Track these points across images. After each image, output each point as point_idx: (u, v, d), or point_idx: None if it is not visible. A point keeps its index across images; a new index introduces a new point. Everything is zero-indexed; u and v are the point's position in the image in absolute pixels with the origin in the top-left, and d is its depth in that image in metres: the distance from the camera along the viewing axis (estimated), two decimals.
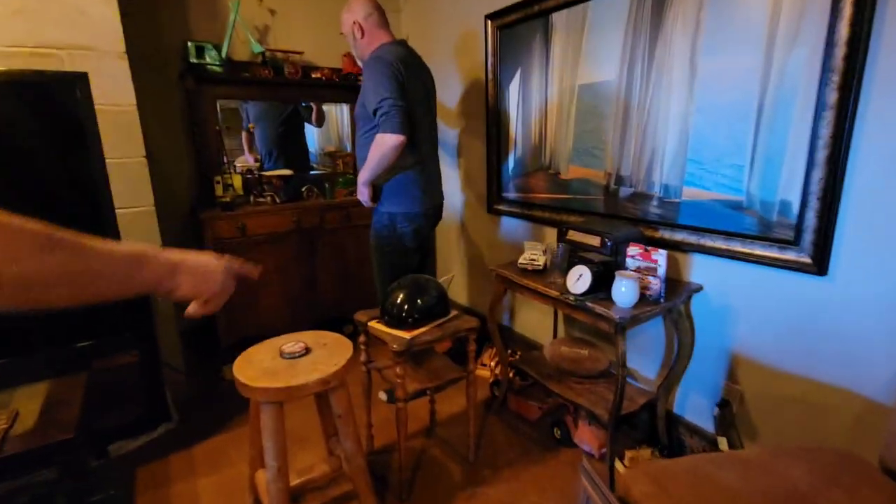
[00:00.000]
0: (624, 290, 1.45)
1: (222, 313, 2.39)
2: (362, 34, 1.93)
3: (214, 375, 2.40)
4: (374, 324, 1.61)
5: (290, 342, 1.46)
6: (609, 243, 1.56)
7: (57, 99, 1.51)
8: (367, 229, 2.82)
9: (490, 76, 2.46)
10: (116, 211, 1.90)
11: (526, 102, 2.30)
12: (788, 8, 1.33)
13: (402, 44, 1.97)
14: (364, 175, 1.90)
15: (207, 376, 2.40)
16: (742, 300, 1.56)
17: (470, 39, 2.60)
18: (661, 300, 1.51)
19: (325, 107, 3.06)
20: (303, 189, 2.65)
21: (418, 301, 1.59)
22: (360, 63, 2.05)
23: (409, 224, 1.99)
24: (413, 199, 1.97)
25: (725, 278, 1.59)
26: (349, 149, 3.12)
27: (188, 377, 2.20)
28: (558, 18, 2.04)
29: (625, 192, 1.87)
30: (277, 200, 2.53)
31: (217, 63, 2.43)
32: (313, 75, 2.79)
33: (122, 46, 1.85)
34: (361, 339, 1.72)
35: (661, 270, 1.49)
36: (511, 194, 2.50)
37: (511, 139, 2.43)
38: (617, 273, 1.48)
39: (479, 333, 1.66)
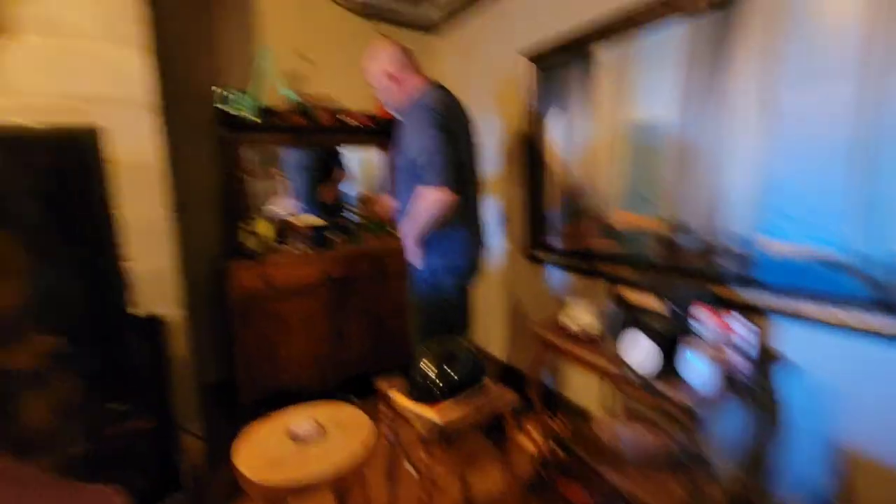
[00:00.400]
0: (696, 368, 1.19)
1: (243, 368, 2.26)
2: (395, 82, 1.83)
3: (233, 438, 2.24)
4: (398, 396, 1.41)
5: (302, 419, 1.28)
6: (673, 306, 1.32)
7: (65, 155, 1.46)
8: (399, 280, 2.69)
9: (530, 116, 2.31)
10: (135, 265, 1.84)
11: (569, 143, 2.12)
12: (885, 28, 1.10)
13: (441, 87, 1.85)
14: (412, 233, 1.74)
15: (225, 439, 2.24)
16: (849, 380, 1.26)
17: (507, 79, 2.48)
18: (745, 380, 1.23)
19: (358, 151, 3.00)
20: (333, 237, 2.54)
21: (447, 369, 1.38)
22: (393, 112, 1.94)
23: (453, 278, 1.82)
24: (458, 250, 1.81)
25: (823, 351, 1.29)
26: (384, 194, 3.02)
27: (205, 441, 2.05)
28: (603, 55, 1.88)
29: (687, 242, 1.62)
30: (306, 249, 2.43)
31: (249, 110, 2.41)
32: (346, 121, 2.74)
33: (150, 97, 1.83)
34: (383, 408, 1.52)
35: (745, 343, 1.22)
36: (553, 242, 2.28)
37: (553, 183, 2.24)
38: (685, 345, 1.22)
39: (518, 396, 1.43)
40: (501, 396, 1.40)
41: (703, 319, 1.28)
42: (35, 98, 1.65)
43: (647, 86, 1.72)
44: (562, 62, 2.08)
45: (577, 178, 2.09)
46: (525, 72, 2.29)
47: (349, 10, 2.78)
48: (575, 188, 2.10)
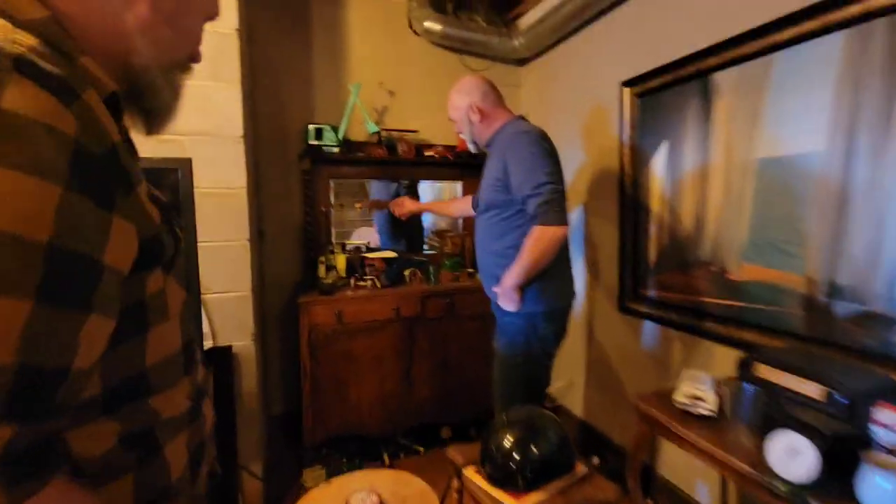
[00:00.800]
0: (883, 491, 0.87)
1: (310, 409, 2.17)
2: (480, 116, 1.71)
3: (295, 481, 2.14)
4: (474, 476, 1.20)
5: (363, 493, 1.11)
6: (843, 399, 1.00)
7: (161, 184, 1.47)
8: (472, 321, 2.51)
9: (626, 150, 2.07)
10: (211, 295, 1.83)
11: (675, 180, 1.84)
12: None
13: (525, 120, 1.73)
14: (516, 275, 1.54)
15: (287, 481, 2.15)
16: None
17: (600, 110, 2.27)
18: None
19: (438, 184, 2.92)
20: (406, 272, 2.43)
21: (534, 451, 1.15)
22: (475, 147, 1.81)
23: (551, 324, 1.62)
24: (557, 291, 1.63)
25: None
26: (461, 228, 2.89)
27: (264, 482, 1.96)
28: (724, 78, 1.62)
29: (845, 309, 1.28)
30: (378, 285, 2.33)
31: (334, 143, 2.41)
32: (427, 153, 2.67)
33: (240, 131, 1.85)
34: (455, 484, 1.32)
35: None
36: (652, 292, 1.98)
37: (653, 224, 1.96)
38: (867, 459, 0.90)
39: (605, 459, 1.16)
40: (600, 490, 1.14)
41: (889, 422, 0.95)
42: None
43: (784, 113, 1.43)
44: (668, 88, 1.84)
45: (685, 220, 1.80)
46: (619, 100, 2.07)
47: (435, 43, 2.74)
48: (682, 232, 1.81)
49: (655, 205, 1.95)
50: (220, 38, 1.78)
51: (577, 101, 2.45)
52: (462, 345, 2.44)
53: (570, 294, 1.71)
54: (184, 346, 0.54)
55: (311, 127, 2.38)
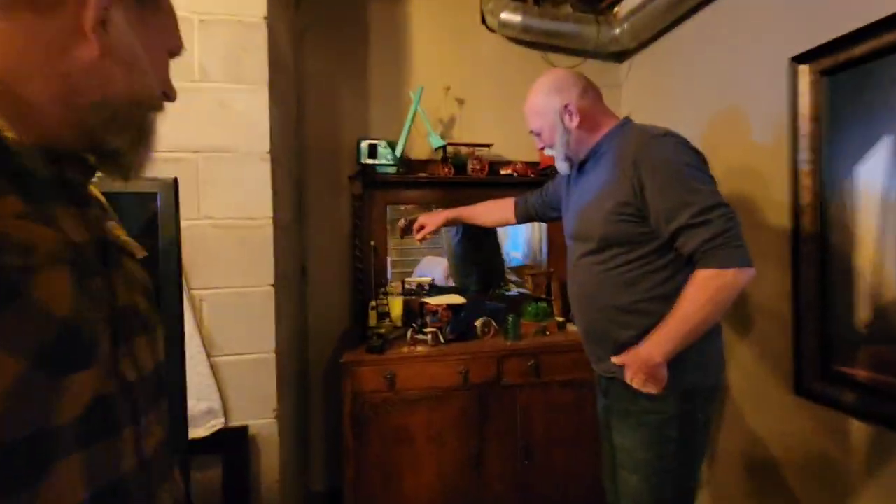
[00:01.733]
0: None
1: (350, 496, 1.67)
2: (578, 119, 1.19)
3: None
4: None
5: None
6: None
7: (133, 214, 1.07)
8: (564, 390, 1.89)
9: (805, 157, 1.40)
10: (222, 358, 1.41)
11: None
12: None
13: (632, 123, 1.24)
14: (672, 342, 1.04)
15: None
16: None
17: (741, 108, 1.63)
18: None
19: None
20: (477, 323, 1.89)
21: None
22: (567, 165, 1.27)
23: (710, 404, 1.17)
24: (717, 361, 1.18)
25: None
26: (545, 261, 2.32)
27: None
28: None
29: None
30: (441, 339, 1.81)
31: (391, 162, 1.97)
32: (502, 171, 2.15)
33: (266, 145, 1.45)
34: None
35: None
36: (858, 370, 1.27)
37: (862, 267, 1.26)
38: None
39: None
40: None
41: None
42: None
43: None
44: (886, 59, 1.18)
45: None
46: (790, 84, 1.42)
47: (513, 39, 2.25)
48: None
49: (861, 236, 1.26)
50: (243, 30, 1.41)
51: (707, 97, 1.81)
52: (550, 422, 1.84)
53: (723, 362, 1.22)
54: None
55: (363, 143, 1.96)
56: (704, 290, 1.01)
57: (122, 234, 0.52)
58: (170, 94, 0.52)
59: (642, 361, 1.05)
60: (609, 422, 1.27)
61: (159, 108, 0.51)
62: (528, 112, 1.27)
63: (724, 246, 0.99)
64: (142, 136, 0.49)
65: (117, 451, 0.40)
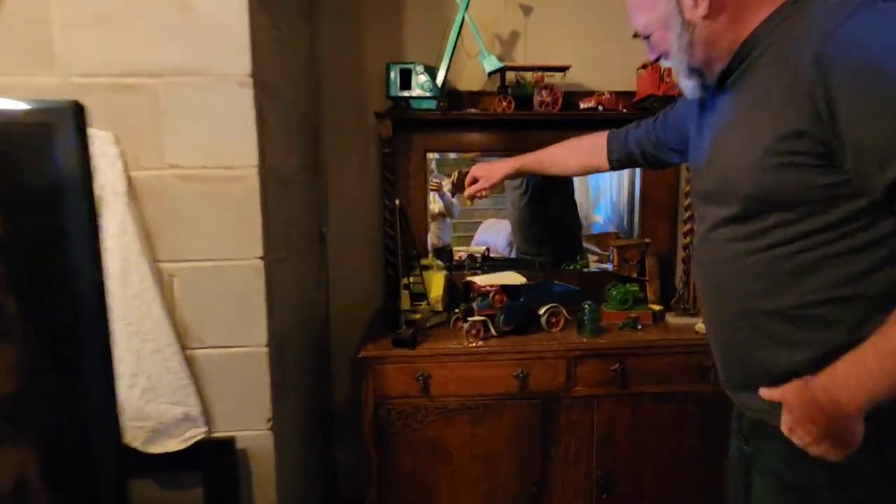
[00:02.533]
0: None
1: None
2: (708, 3, 0.69)
3: None
4: None
5: None
6: None
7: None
8: (659, 403, 1.35)
9: None
10: (201, 351, 1.08)
11: None
12: None
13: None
14: (883, 381, 0.57)
15: None
16: None
17: None
18: None
19: None
20: (541, 311, 1.42)
21: None
22: (694, 84, 0.79)
23: None
24: None
25: None
26: (636, 229, 1.76)
27: None
28: None
29: None
30: (493, 330, 1.37)
31: (430, 94, 1.50)
32: (582, 104, 1.60)
33: (246, 66, 1.04)
34: None
35: None
36: None
37: None
38: None
39: None
40: None
41: None
42: (81, 77, 1.02)
43: None
44: None
45: None
46: None
47: None
48: None
49: None
50: None
51: None
52: (639, 447, 1.37)
53: None
54: None
55: (393, 70, 1.50)
56: None
57: None
58: None
59: (817, 406, 0.60)
60: (747, 476, 0.83)
61: None
62: (631, 3, 0.81)
63: None
64: None
65: None
